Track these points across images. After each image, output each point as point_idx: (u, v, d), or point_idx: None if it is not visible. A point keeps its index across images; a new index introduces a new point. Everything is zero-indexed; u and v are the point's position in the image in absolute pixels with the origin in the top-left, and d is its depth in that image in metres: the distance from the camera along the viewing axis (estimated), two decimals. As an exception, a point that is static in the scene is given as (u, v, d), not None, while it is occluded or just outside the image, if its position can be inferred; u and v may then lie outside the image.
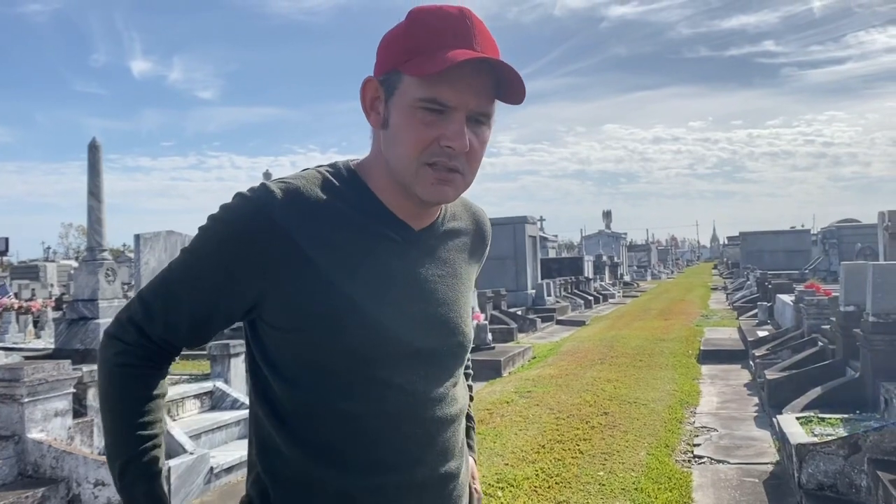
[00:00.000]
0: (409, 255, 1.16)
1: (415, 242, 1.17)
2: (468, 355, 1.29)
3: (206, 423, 5.62)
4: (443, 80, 1.05)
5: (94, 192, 11.10)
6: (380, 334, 1.10)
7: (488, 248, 1.39)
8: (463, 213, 1.30)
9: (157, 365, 1.18)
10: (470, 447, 1.42)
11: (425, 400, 1.15)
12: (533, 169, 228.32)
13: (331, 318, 1.08)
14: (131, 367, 1.16)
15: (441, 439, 1.18)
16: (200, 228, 1.12)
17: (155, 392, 1.17)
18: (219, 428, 5.70)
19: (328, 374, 1.10)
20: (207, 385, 6.23)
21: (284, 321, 1.09)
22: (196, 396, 6.07)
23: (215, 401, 6.22)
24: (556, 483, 4.75)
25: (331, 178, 1.15)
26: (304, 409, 1.11)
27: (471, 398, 1.45)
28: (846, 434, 4.48)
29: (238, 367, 6.55)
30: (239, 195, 1.10)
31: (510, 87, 1.10)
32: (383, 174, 1.15)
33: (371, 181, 1.16)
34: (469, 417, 1.42)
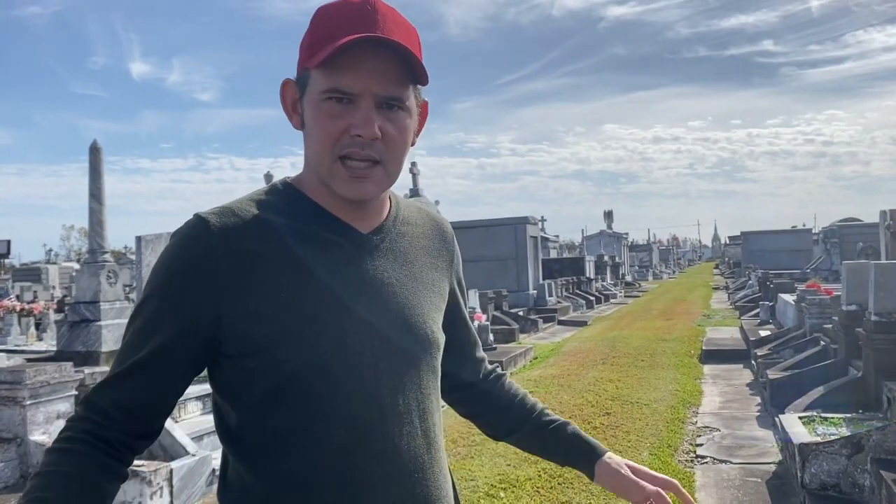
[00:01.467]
0: (360, 258, 1.12)
1: (364, 245, 1.13)
2: (437, 363, 1.20)
3: (208, 425, 5.62)
4: (343, 68, 1.03)
5: (96, 194, 11.10)
6: (336, 343, 1.06)
7: (456, 254, 1.33)
8: (418, 219, 1.26)
9: (111, 443, 1.04)
10: (592, 444, 1.34)
11: (394, 413, 1.09)
12: (533, 169, 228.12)
13: (284, 333, 1.04)
14: (68, 439, 1.03)
15: (415, 457, 1.12)
16: (147, 280, 1.09)
17: (92, 469, 1.02)
18: (221, 429, 5.70)
19: (288, 393, 1.05)
20: (209, 387, 6.23)
21: (240, 345, 1.05)
22: (198, 398, 6.07)
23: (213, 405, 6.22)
24: (558, 483, 4.74)
25: (265, 195, 1.13)
26: (270, 436, 1.06)
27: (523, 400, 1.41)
28: (849, 434, 4.48)
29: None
30: (173, 234, 1.08)
31: (413, 68, 1.07)
32: (315, 178, 1.12)
33: (308, 189, 1.13)
34: (545, 413, 1.39)
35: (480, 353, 1.44)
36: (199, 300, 1.04)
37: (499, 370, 1.45)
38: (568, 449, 1.34)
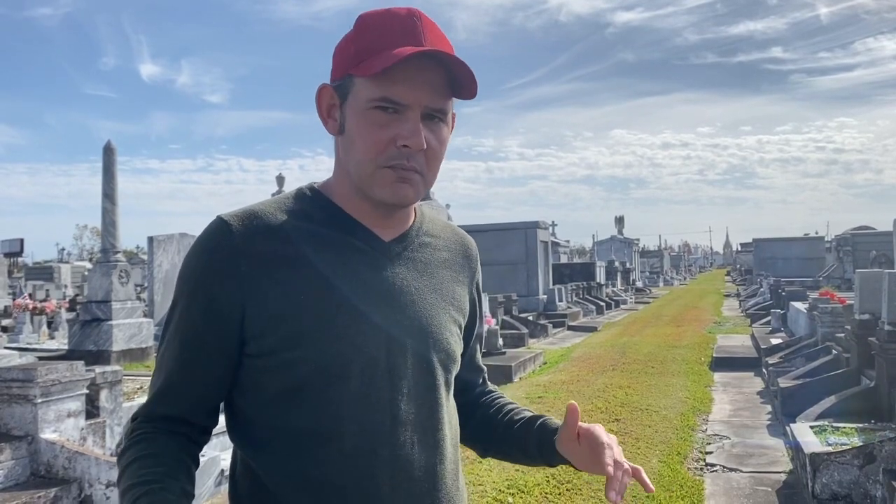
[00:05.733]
0: (380, 264, 1.13)
1: (385, 252, 1.14)
2: (452, 376, 1.20)
3: (217, 426, 5.64)
4: (393, 78, 1.03)
5: (109, 194, 11.16)
6: (353, 347, 1.07)
7: (478, 273, 1.33)
8: (442, 232, 1.27)
9: (179, 435, 1.12)
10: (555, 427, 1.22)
11: (406, 421, 1.10)
12: (541, 174, 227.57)
13: (303, 335, 1.05)
14: (142, 433, 1.10)
15: (424, 466, 1.12)
16: (175, 286, 1.13)
17: (174, 449, 1.10)
18: (230, 430, 5.71)
19: (303, 394, 1.06)
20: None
21: (259, 345, 1.07)
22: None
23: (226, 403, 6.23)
24: (567, 489, 4.72)
25: (291, 199, 1.15)
26: (281, 436, 1.08)
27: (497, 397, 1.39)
28: (861, 444, 4.44)
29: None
30: (197, 237, 1.11)
31: (462, 82, 1.08)
32: (346, 184, 1.13)
33: (336, 195, 1.15)
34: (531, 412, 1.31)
35: (484, 375, 1.44)
36: (224, 302, 1.07)
37: (491, 388, 1.43)
38: (538, 439, 1.23)
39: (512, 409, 1.34)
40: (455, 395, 1.27)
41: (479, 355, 1.42)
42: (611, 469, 1.08)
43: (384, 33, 1.06)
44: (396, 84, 1.04)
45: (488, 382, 1.44)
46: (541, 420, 1.26)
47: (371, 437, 1.07)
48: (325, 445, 1.06)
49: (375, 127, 1.06)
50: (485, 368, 1.44)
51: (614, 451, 1.11)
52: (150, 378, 1.17)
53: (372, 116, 1.06)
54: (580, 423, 1.16)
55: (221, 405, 1.18)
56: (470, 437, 1.34)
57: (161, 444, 1.09)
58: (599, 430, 1.14)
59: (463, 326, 1.25)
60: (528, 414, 1.30)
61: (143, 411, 1.14)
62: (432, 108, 1.08)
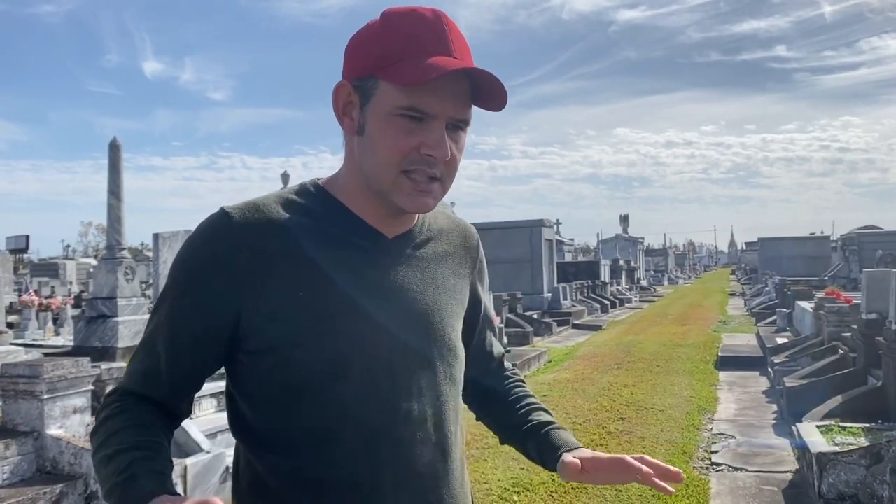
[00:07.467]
0: (383, 263, 1.12)
1: (388, 250, 1.13)
2: (456, 372, 1.19)
3: (222, 423, 5.62)
4: (423, 88, 1.02)
5: (115, 190, 11.17)
6: (354, 346, 1.06)
7: (481, 262, 1.33)
8: (444, 225, 1.26)
9: (156, 414, 1.11)
10: (556, 445, 1.24)
11: (408, 419, 1.09)
12: (545, 172, 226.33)
13: (302, 333, 1.04)
14: (121, 405, 1.09)
15: (428, 464, 1.11)
16: (169, 271, 1.11)
17: (151, 419, 1.08)
18: (235, 427, 5.70)
19: (303, 393, 1.05)
20: (223, 384, 6.21)
21: (257, 342, 1.06)
22: (212, 395, 6.09)
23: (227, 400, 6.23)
24: (572, 488, 4.71)
25: (294, 195, 1.13)
26: (282, 433, 1.07)
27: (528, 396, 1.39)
28: (868, 443, 4.42)
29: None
30: (198, 226, 1.09)
31: (490, 94, 1.07)
32: (356, 182, 1.12)
33: (341, 192, 1.13)
34: (546, 411, 1.34)
35: (500, 358, 1.43)
36: (220, 295, 1.05)
37: (515, 373, 1.44)
38: (538, 450, 1.27)
39: (526, 407, 1.34)
40: (475, 379, 1.30)
41: (491, 339, 1.41)
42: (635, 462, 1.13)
43: (413, 39, 1.04)
44: (426, 95, 1.03)
45: (505, 364, 1.44)
46: (545, 430, 1.28)
47: (372, 435, 1.07)
48: (325, 444, 1.06)
49: (401, 134, 1.05)
50: (501, 351, 1.45)
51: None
52: None
53: (397, 123, 1.04)
54: (581, 457, 1.19)
55: (195, 397, 1.18)
56: (488, 424, 1.39)
57: (146, 416, 1.08)
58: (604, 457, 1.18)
59: (465, 319, 1.25)
60: (541, 419, 1.31)
61: (121, 387, 1.13)
62: (458, 119, 1.07)
